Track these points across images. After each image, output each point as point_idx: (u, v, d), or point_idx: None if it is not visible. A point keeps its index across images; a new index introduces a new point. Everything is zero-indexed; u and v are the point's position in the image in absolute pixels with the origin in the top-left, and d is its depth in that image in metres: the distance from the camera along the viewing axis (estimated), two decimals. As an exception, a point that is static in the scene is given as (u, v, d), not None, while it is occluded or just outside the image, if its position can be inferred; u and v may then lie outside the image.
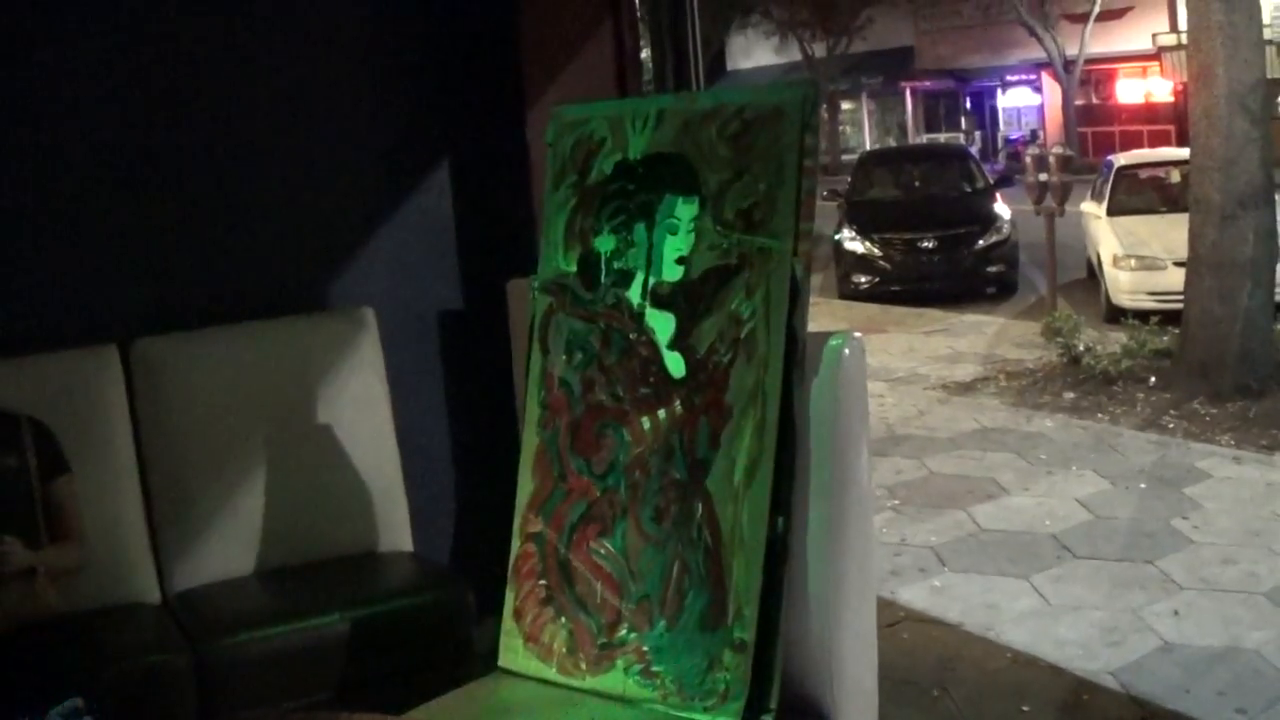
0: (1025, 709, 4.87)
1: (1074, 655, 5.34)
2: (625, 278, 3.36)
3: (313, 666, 3.97)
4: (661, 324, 3.27)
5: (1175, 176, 15.28)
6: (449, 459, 5.04)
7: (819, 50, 41.76)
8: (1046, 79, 39.81)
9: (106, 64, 4.42)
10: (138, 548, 4.30)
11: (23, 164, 4.33)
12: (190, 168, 4.55)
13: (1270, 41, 16.42)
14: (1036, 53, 37.20)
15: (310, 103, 4.76)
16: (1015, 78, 42.94)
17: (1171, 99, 35.14)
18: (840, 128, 47.30)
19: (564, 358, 3.46)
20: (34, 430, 3.94)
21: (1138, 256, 13.46)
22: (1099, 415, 9.56)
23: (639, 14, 5.06)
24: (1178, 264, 11.58)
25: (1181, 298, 10.69)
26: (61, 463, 3.97)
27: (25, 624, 3.69)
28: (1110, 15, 35.97)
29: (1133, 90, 38.69)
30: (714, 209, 3.22)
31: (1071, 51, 36.39)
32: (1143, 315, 11.72)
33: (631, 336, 3.32)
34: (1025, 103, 43.87)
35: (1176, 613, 5.73)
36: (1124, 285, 13.46)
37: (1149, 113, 37.27)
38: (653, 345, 3.28)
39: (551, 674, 3.39)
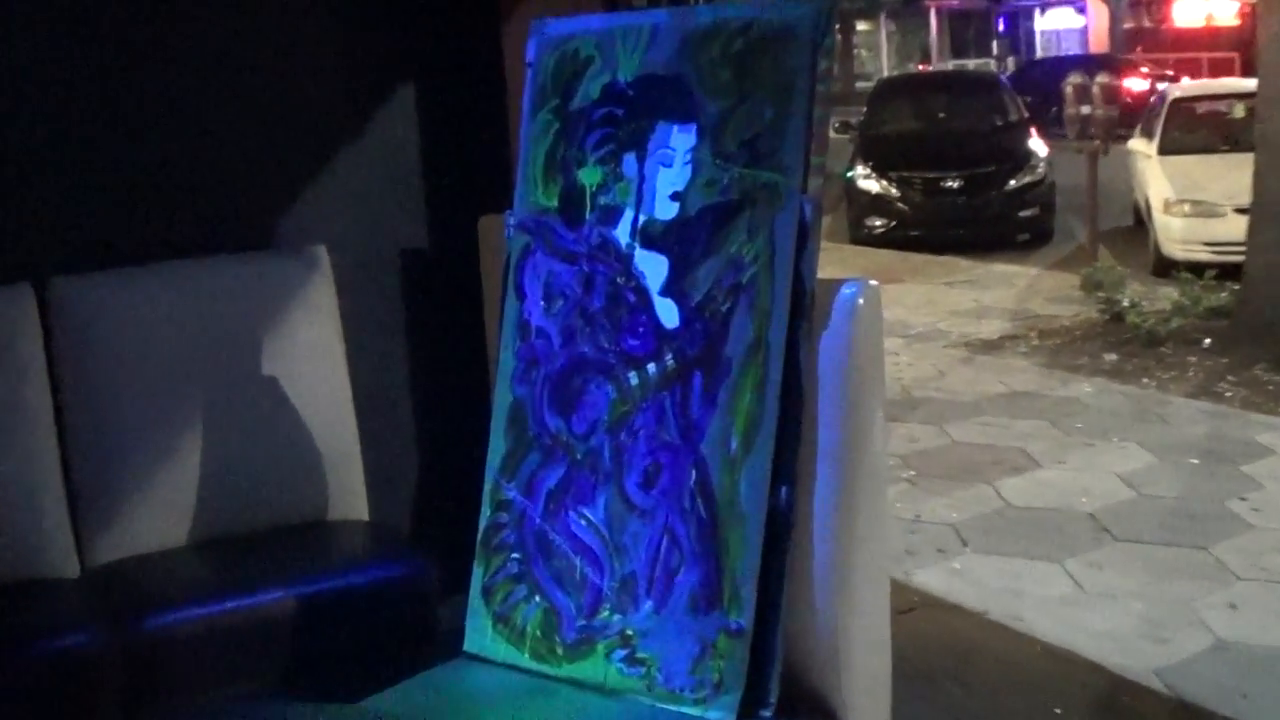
0: (1057, 711, 4.89)
1: (1112, 651, 5.36)
2: (612, 215, 3.38)
3: (255, 649, 3.99)
4: (652, 267, 3.29)
5: (1239, 111, 15.27)
6: (411, 417, 5.05)
7: (834, -39, 41.55)
8: (1092, -2, 39.78)
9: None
10: (53, 514, 4.26)
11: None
12: (121, 85, 4.52)
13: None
14: (1082, -33, 37.18)
15: (258, 17, 4.73)
16: (1057, -4, 42.95)
17: (1237, 22, 35.11)
18: (855, 51, 47.18)
19: (542, 304, 3.48)
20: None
21: (1193, 201, 13.48)
22: (1144, 380, 9.60)
23: (631, -83, 5.07)
24: (1239, 211, 11.62)
25: (1242, 249, 10.71)
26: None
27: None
28: (1167, -75, 35.97)
29: (1191, 11, 38.67)
30: (713, 139, 3.24)
31: (1122, -34, 36.37)
32: (1197, 268, 11.75)
33: (619, 281, 3.34)
34: (1066, 25, 43.85)
35: (1233, 606, 5.76)
36: (1176, 234, 13.48)
37: (1210, 38, 37.24)
38: (642, 291, 3.30)
39: (524, 659, 3.42)
